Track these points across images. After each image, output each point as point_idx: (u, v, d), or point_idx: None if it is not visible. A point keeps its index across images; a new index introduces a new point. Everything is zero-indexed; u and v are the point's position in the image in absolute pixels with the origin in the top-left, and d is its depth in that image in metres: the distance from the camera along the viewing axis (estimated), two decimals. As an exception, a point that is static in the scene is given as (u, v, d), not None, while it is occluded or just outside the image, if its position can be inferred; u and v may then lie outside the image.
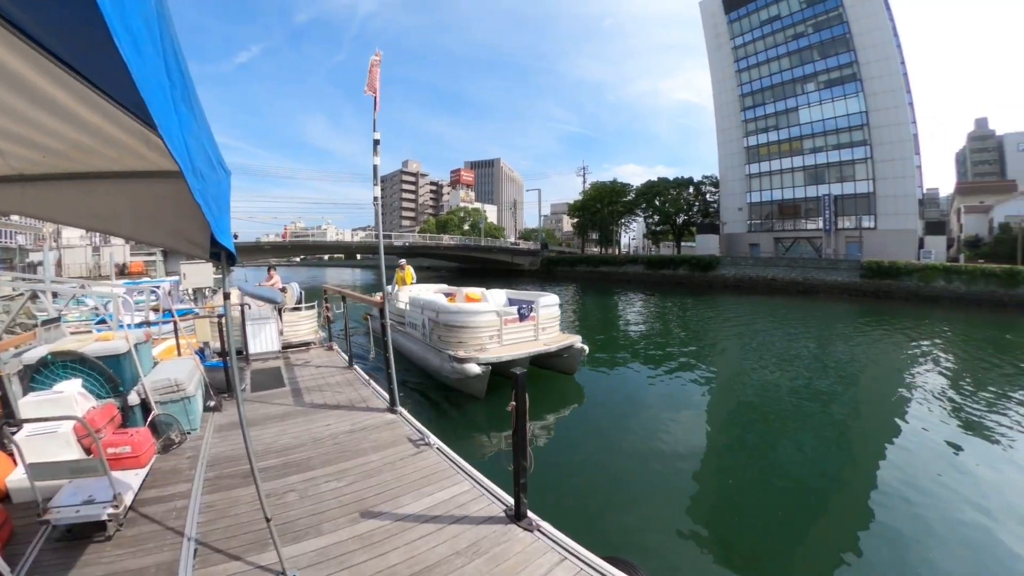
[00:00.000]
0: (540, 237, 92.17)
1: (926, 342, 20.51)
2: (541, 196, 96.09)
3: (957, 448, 8.75)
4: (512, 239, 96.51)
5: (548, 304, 12.07)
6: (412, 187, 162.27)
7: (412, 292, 14.64)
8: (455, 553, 3.77)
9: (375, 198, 6.83)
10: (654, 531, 5.77)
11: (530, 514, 4.31)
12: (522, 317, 11.64)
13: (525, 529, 4.14)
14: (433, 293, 14.69)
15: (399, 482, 4.93)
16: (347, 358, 10.46)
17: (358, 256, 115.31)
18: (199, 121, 2.14)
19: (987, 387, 13.04)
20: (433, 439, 5.95)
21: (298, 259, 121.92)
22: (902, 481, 7.33)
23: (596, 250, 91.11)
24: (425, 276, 68.09)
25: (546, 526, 4.19)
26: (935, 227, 59.18)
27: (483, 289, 14.09)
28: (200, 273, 15.34)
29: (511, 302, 13.07)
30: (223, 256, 2.88)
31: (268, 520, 3.42)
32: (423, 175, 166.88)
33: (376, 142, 6.60)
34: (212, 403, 7.35)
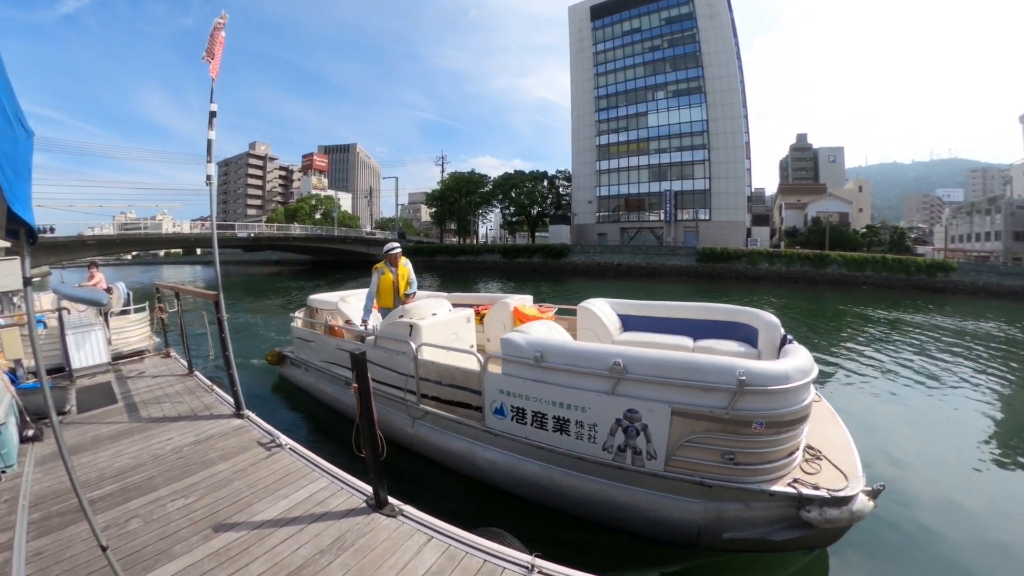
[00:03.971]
0: (398, 227, 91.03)
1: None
2: (398, 184, 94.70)
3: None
4: (368, 229, 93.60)
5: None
6: (259, 172, 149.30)
7: (431, 312, 7.70)
8: (319, 552, 3.67)
9: (208, 176, 6.12)
10: (517, 505, 5.75)
11: (392, 500, 4.28)
12: None
13: (388, 516, 4.12)
14: (452, 312, 8.10)
15: (252, 489, 4.67)
16: (186, 364, 9.34)
17: (198, 251, 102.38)
18: None
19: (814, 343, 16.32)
20: (284, 439, 5.70)
21: (129, 256, 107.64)
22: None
23: (454, 240, 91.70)
24: (273, 272, 64.72)
25: (410, 510, 4.19)
26: (761, 219, 69.71)
27: (524, 297, 9.46)
28: (5, 273, 12.38)
29: (627, 322, 8.48)
30: (22, 233, 2.49)
31: (104, 549, 3.02)
32: (272, 159, 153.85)
33: (212, 114, 6.02)
34: (31, 432, 6.22)
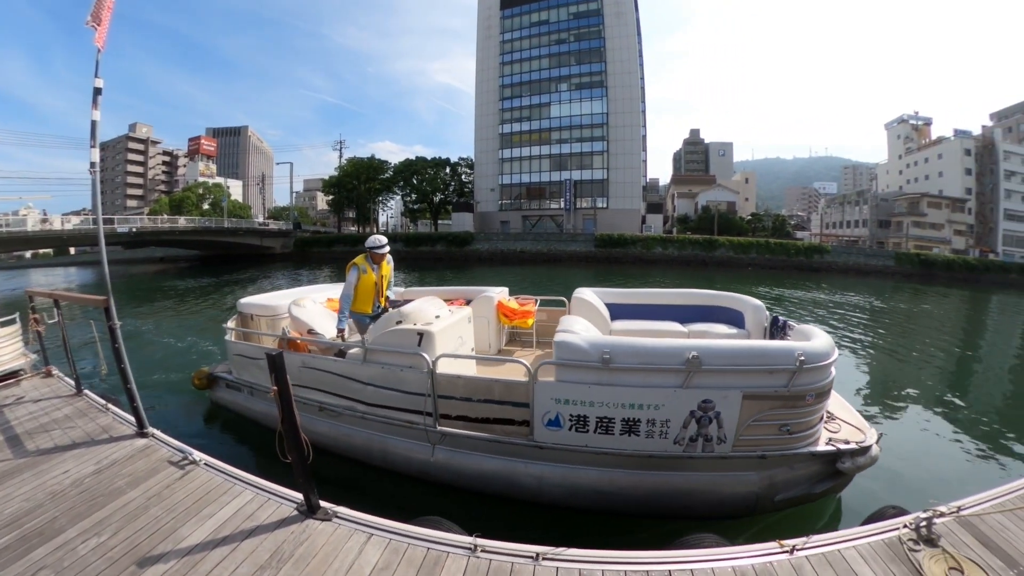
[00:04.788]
0: (292, 216, 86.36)
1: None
2: (293, 170, 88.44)
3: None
4: (261, 219, 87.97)
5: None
6: (141, 157, 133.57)
7: (434, 314, 6.73)
8: (259, 568, 3.52)
9: (92, 163, 5.34)
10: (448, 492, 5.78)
11: (324, 504, 4.18)
12: None
13: (323, 520, 4.03)
14: (450, 314, 7.07)
15: (172, 513, 4.28)
16: (73, 383, 7.92)
17: (72, 250, 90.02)
18: None
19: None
20: (198, 455, 5.27)
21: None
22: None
23: (353, 229, 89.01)
24: (159, 271, 59.89)
25: (343, 510, 4.11)
26: (655, 207, 75.07)
27: (501, 289, 8.96)
28: None
29: (613, 311, 8.28)
30: None
31: None
32: (155, 142, 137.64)
33: (97, 91, 5.33)
34: None
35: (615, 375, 4.78)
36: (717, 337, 6.99)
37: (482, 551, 3.60)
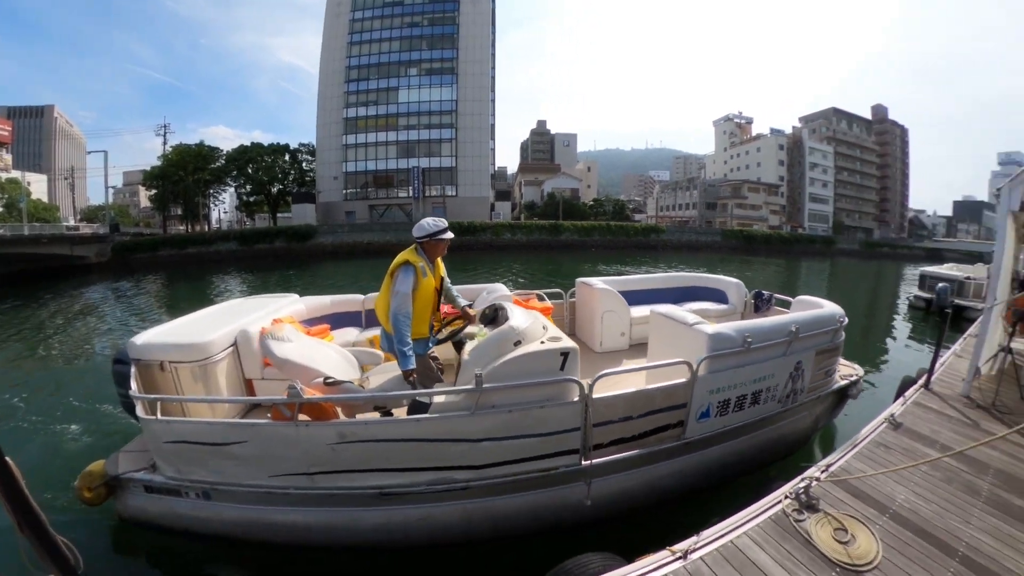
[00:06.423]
0: (110, 217, 70.66)
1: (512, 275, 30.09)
2: (108, 160, 73.22)
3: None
4: (71, 222, 70.07)
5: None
6: None
7: (541, 325, 4.82)
8: None
9: None
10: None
11: None
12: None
13: None
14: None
15: None
16: None
17: None
18: None
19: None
20: None
21: None
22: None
23: (182, 228, 78.73)
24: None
25: None
26: (503, 195, 76.95)
27: (498, 285, 8.03)
28: None
29: (634, 296, 8.52)
30: None
31: None
32: None
33: None
34: None
35: (750, 355, 5.13)
36: (714, 315, 7.82)
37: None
